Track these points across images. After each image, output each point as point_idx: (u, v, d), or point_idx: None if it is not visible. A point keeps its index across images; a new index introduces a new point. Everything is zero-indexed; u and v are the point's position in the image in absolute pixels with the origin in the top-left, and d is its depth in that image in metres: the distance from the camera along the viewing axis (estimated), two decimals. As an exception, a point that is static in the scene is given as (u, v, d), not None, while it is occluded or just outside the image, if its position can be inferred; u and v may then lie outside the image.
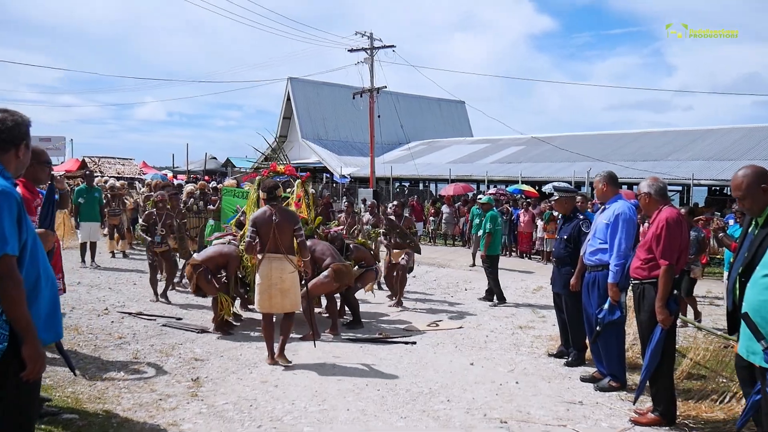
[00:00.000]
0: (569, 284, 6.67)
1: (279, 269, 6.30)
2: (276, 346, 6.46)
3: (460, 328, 8.62)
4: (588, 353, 6.74)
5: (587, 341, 6.74)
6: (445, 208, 21.45)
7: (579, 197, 8.53)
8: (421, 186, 34.87)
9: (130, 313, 8.56)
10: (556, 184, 7.59)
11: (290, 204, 8.53)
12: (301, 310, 7.11)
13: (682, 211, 6.56)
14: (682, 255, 4.98)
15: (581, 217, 6.94)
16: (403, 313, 9.58)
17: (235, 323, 8.13)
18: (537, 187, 23.03)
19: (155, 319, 8.29)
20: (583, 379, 6.21)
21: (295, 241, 6.47)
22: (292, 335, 7.05)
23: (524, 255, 18.27)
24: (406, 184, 34.55)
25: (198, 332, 7.70)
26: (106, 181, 16.75)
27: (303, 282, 7.03)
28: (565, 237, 6.91)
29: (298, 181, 8.76)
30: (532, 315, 9.71)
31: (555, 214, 17.33)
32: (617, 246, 5.73)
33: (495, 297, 10.82)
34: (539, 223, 17.50)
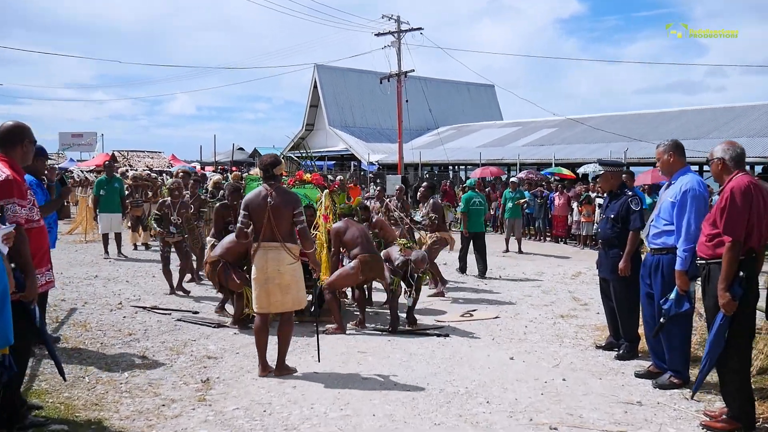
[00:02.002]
0: (618, 268, 5.99)
1: (276, 261, 5.36)
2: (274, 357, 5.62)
3: (497, 318, 7.98)
4: (642, 344, 6.06)
5: (640, 331, 6.07)
6: (475, 193, 20.70)
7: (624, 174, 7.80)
8: (450, 172, 34.11)
9: (144, 308, 8.07)
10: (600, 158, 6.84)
11: (318, 217, 7.89)
12: (304, 306, 6.14)
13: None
14: (754, 231, 4.22)
15: (629, 193, 6.21)
16: (435, 302, 8.96)
17: (250, 322, 7.54)
18: (572, 170, 22.16)
19: (170, 314, 7.79)
20: (638, 375, 5.53)
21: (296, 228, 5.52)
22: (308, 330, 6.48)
23: (559, 239, 17.50)
24: (436, 170, 33.79)
25: (214, 327, 7.17)
26: (126, 171, 16.36)
27: (314, 275, 6.46)
28: (612, 216, 6.20)
29: (326, 191, 8.01)
30: (573, 303, 9.02)
31: (591, 195, 16.55)
32: (686, 228, 4.97)
33: (479, 271, 11.33)
34: (575, 206, 16.70)
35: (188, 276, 9.76)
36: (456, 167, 33.48)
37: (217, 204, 8.45)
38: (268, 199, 5.35)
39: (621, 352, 6.13)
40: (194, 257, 9.95)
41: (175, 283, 9.15)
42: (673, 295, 5.00)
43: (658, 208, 5.40)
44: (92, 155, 43.75)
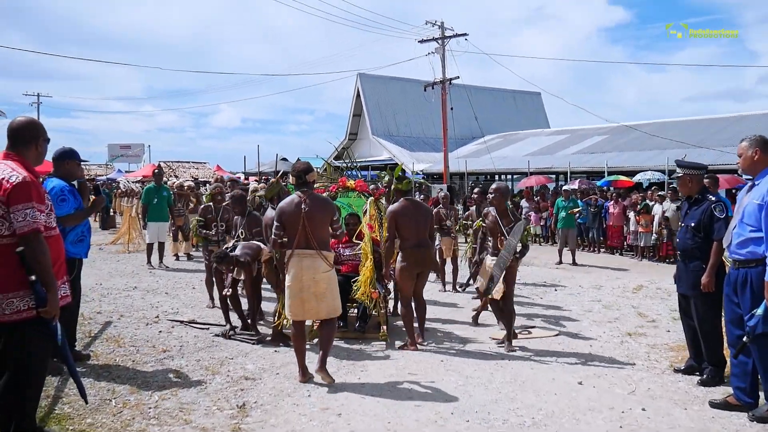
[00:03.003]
0: (700, 283, 5.33)
1: (311, 269, 5.24)
2: (316, 358, 5.44)
3: (557, 335, 7.35)
4: (729, 369, 5.37)
5: (725, 353, 5.38)
6: (524, 203, 19.94)
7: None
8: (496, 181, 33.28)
9: (181, 322, 7.66)
10: (679, 159, 6.17)
11: (362, 226, 7.36)
12: (339, 314, 5.84)
13: None
14: None
15: (713, 198, 5.53)
16: (489, 317, 8.35)
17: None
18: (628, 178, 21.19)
19: (208, 328, 7.36)
20: (714, 405, 4.85)
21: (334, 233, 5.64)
22: (374, 345, 6.01)
23: (614, 251, 16.65)
24: (481, 179, 33.01)
25: (254, 343, 6.70)
26: (167, 181, 16.12)
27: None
28: (693, 224, 5.53)
29: (371, 199, 7.41)
30: (639, 319, 8.31)
31: (650, 204, 15.70)
32: None
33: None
34: (631, 215, 15.84)
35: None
36: (504, 176, 32.66)
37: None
38: (302, 206, 5.27)
39: (705, 377, 5.45)
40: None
41: (215, 295, 8.74)
42: (760, 311, 4.35)
43: (740, 213, 4.74)
44: (139, 166, 44.32)
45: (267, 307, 8.51)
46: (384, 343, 6.82)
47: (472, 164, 29.78)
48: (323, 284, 5.27)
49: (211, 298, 8.69)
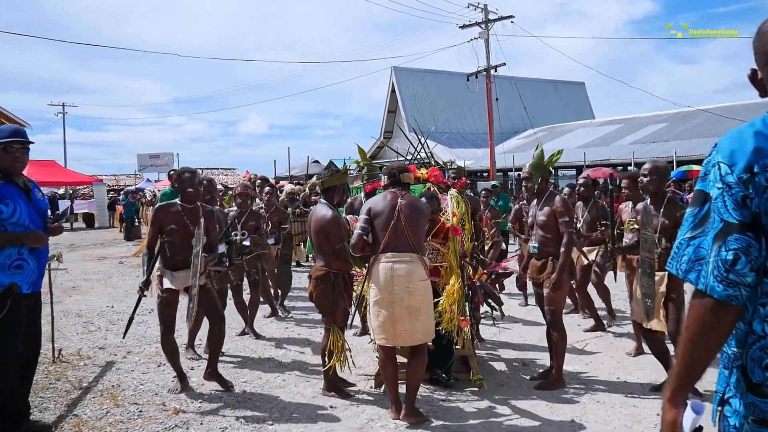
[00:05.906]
0: None
1: (406, 276, 4.25)
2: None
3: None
4: None
5: None
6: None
7: None
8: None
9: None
10: None
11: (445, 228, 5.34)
12: (433, 337, 4.51)
13: None
14: None
15: None
16: (612, 341, 6.43)
17: (350, 385, 5.13)
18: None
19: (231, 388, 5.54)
20: None
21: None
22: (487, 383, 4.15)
23: (695, 250, 14.50)
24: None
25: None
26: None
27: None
28: None
29: (452, 191, 5.50)
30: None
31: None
32: None
33: None
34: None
35: (267, 310, 7.74)
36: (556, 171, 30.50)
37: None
38: (399, 200, 4.37)
39: None
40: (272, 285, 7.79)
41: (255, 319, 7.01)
42: None
43: None
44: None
45: (310, 334, 6.74)
46: (477, 389, 4.96)
47: (519, 159, 27.65)
48: (419, 296, 4.29)
49: (245, 321, 6.93)
